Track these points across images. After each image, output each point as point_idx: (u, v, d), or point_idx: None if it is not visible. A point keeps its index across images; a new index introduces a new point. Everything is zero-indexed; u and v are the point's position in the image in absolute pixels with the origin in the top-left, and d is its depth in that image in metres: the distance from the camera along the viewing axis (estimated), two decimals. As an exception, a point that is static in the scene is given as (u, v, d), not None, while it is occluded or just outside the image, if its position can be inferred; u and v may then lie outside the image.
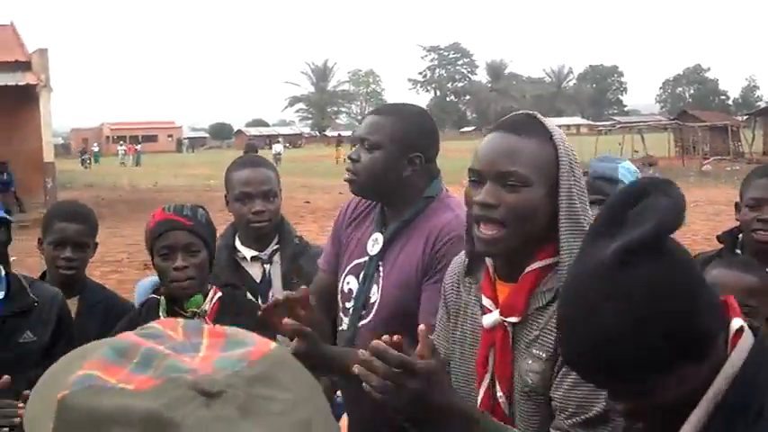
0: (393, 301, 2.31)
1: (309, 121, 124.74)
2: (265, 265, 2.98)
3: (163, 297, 2.51)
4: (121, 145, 62.79)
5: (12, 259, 3.14)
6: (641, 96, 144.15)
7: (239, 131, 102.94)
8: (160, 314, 2.46)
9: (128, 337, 0.66)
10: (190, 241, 2.43)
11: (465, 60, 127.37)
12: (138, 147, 60.89)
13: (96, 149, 61.08)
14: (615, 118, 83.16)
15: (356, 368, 1.52)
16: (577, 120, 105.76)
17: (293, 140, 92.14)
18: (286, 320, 2.01)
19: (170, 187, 28.84)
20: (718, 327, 1.22)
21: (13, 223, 3.04)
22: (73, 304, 2.89)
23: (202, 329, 0.67)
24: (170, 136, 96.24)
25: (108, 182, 32.50)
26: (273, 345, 0.66)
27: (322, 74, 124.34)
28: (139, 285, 2.94)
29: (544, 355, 1.66)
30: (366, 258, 2.40)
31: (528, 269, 1.71)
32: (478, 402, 1.75)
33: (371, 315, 2.35)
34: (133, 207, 21.67)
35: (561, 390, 1.63)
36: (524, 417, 1.70)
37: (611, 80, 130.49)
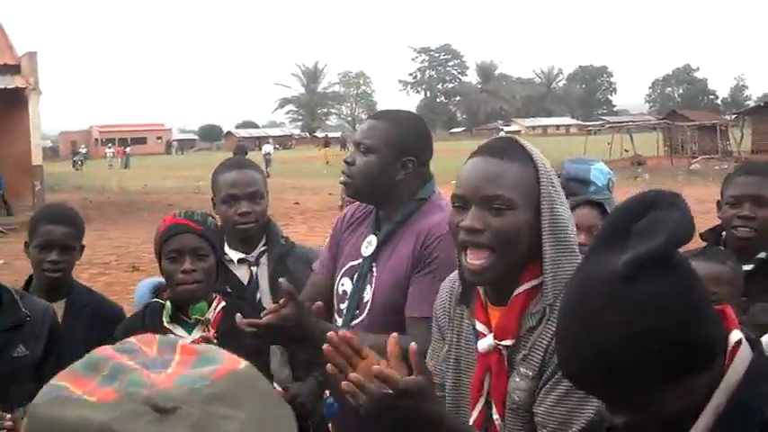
0: (385, 301, 2.36)
1: (299, 123, 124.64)
2: (252, 267, 2.97)
3: (168, 302, 2.51)
4: (110, 147, 62.57)
5: (0, 262, 3.12)
6: (631, 96, 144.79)
7: (229, 133, 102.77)
8: (164, 319, 2.47)
9: (103, 350, 0.68)
10: (199, 245, 2.46)
11: (455, 61, 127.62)
12: (128, 149, 60.67)
13: (84, 151, 60.79)
14: (605, 118, 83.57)
15: (345, 385, 1.55)
16: (567, 120, 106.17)
17: (283, 142, 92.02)
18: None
19: (159, 189, 28.76)
20: (720, 338, 1.22)
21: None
22: (59, 307, 2.87)
23: (176, 346, 0.68)
24: (159, 138, 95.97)
25: (96, 184, 32.38)
26: (243, 364, 0.66)
27: (312, 75, 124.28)
28: (140, 285, 2.92)
29: (531, 374, 1.69)
30: (360, 260, 2.45)
31: (517, 292, 1.73)
32: (471, 423, 1.77)
33: (364, 314, 2.40)
34: (122, 209, 21.61)
35: (544, 406, 1.66)
36: None
37: (600, 80, 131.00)
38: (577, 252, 1.73)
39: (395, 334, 1.66)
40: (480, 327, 1.78)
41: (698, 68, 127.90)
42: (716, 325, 1.22)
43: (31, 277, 3.03)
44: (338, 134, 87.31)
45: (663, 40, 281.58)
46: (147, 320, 2.50)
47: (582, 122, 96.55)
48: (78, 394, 0.62)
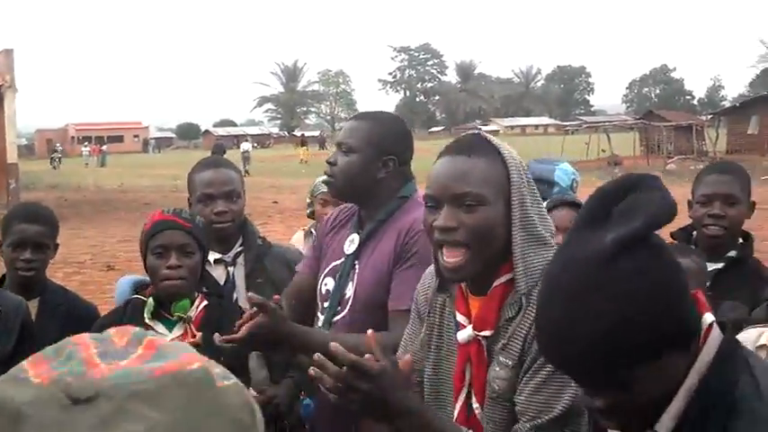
0: (366, 297, 2.38)
1: (278, 122, 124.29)
2: (229, 268, 2.96)
3: (151, 298, 2.49)
4: (86, 146, 62.01)
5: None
6: (608, 97, 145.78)
7: (207, 132, 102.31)
8: (145, 315, 2.45)
9: (78, 336, 0.69)
10: (186, 242, 2.45)
11: (435, 61, 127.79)
12: (104, 147, 60.14)
13: (59, 149, 60.20)
14: (582, 118, 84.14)
15: (312, 370, 1.57)
16: (545, 120, 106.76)
17: (261, 140, 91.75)
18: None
19: (136, 188, 28.57)
20: (696, 318, 1.26)
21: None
22: (33, 306, 2.85)
23: (143, 340, 0.68)
24: (136, 136, 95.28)
25: (72, 182, 32.10)
26: (196, 365, 0.65)
27: (292, 74, 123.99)
28: (120, 283, 2.89)
29: (510, 363, 1.71)
30: (343, 259, 2.48)
31: (495, 283, 1.75)
32: (455, 415, 1.79)
33: (346, 310, 2.42)
34: (97, 208, 21.42)
35: (524, 394, 1.68)
36: (492, 422, 1.74)
37: (578, 81, 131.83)
38: (551, 243, 1.75)
39: (371, 331, 1.68)
40: (460, 318, 1.80)
41: (674, 69, 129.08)
42: (693, 305, 1.26)
43: (4, 276, 3.00)
44: (316, 133, 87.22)
45: (640, 41, 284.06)
46: (128, 317, 2.47)
47: (560, 122, 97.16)
48: (26, 375, 0.63)
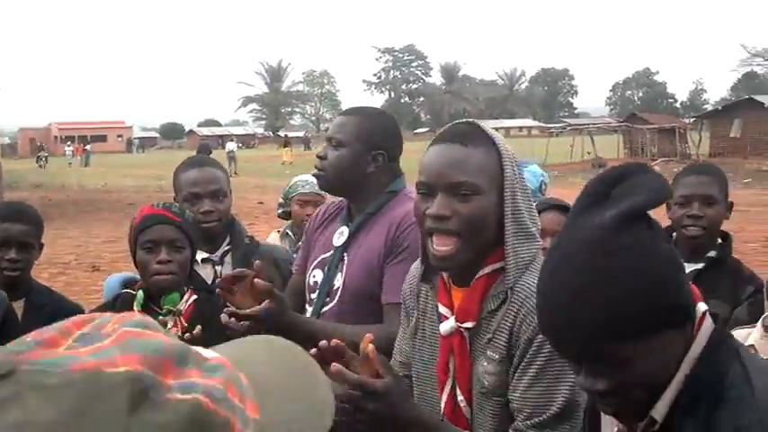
0: (355, 288, 2.41)
1: (263, 122, 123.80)
2: (216, 267, 2.96)
3: (140, 291, 2.48)
4: (69, 145, 61.55)
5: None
6: (592, 99, 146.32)
7: (191, 131, 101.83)
8: (135, 308, 2.43)
9: (90, 314, 0.69)
10: (176, 237, 2.44)
11: (419, 62, 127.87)
12: (88, 147, 59.70)
13: (45, 148, 59.74)
14: (566, 120, 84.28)
15: None
16: (529, 122, 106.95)
17: (246, 141, 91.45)
18: (257, 281, 2.09)
19: (119, 188, 28.39)
20: (692, 303, 1.29)
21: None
22: (18, 307, 2.83)
23: (128, 332, 0.65)
24: (120, 136, 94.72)
25: (56, 182, 31.85)
26: (123, 369, 0.60)
27: (276, 74, 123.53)
28: (108, 281, 2.89)
29: (497, 357, 1.70)
30: (332, 251, 2.50)
31: (479, 274, 1.74)
32: (442, 407, 1.78)
33: (334, 301, 2.44)
34: (81, 208, 21.28)
35: (518, 391, 1.66)
36: (483, 418, 1.74)
37: (562, 83, 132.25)
38: (537, 237, 1.75)
39: (370, 335, 1.67)
40: (443, 309, 1.79)
41: (657, 72, 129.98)
42: (689, 288, 1.29)
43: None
44: (301, 134, 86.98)
45: (623, 44, 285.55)
46: (117, 311, 2.46)
47: (544, 125, 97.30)
48: (8, 348, 0.63)
